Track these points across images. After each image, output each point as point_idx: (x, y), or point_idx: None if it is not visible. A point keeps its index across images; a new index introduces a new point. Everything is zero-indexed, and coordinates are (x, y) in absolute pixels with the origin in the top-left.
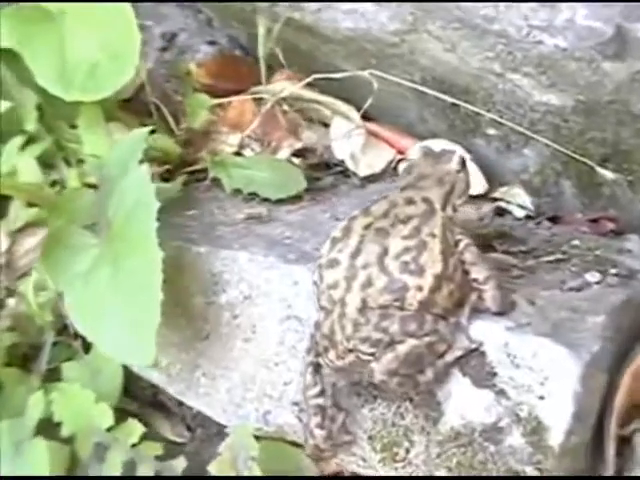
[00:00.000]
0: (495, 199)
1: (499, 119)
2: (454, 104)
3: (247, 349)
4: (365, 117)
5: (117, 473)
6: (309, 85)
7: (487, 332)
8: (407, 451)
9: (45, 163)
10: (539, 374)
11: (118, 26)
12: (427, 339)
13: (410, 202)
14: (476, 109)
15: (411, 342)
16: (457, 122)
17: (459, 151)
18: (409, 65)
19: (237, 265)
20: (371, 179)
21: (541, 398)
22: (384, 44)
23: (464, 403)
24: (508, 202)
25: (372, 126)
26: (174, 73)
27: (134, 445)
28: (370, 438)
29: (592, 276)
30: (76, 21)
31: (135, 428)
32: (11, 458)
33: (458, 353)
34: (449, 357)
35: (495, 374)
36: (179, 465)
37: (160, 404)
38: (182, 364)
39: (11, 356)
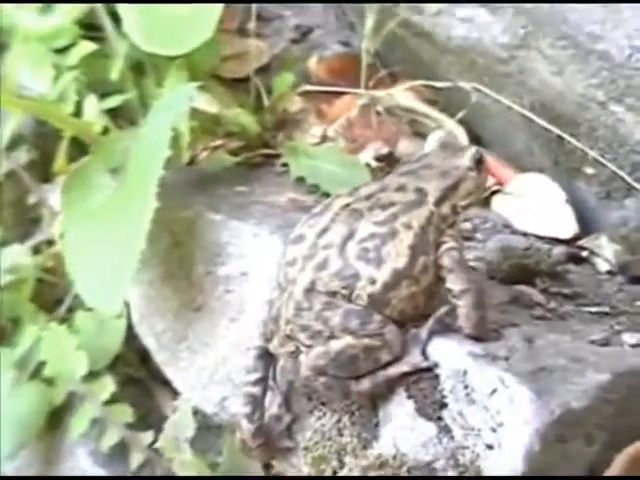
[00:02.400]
0: (581, 247)
1: (601, 159)
2: (560, 137)
3: (230, 329)
4: (475, 142)
5: (83, 430)
6: (424, 99)
7: (446, 353)
8: (334, 471)
9: (129, 118)
10: (494, 417)
11: None
12: (366, 341)
13: (401, 189)
14: (579, 145)
15: (347, 340)
16: (561, 158)
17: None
18: (519, 87)
19: (242, 239)
20: None
21: (489, 447)
22: (494, 59)
23: (401, 431)
24: (593, 253)
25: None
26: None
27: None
28: (305, 448)
29: (631, 337)
30: None
31: (107, 385)
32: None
33: (404, 368)
34: (393, 371)
35: (444, 405)
36: (146, 438)
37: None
38: (173, 332)
39: (42, 296)
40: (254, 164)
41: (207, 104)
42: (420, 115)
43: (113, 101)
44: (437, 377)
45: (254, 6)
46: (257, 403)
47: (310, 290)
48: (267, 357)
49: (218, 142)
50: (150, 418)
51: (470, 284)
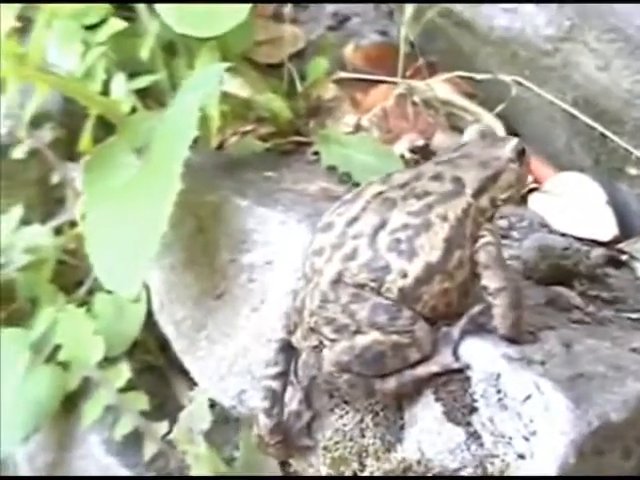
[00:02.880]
0: (621, 251)
1: None
2: (602, 135)
3: (251, 319)
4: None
5: (97, 416)
6: (462, 91)
7: (479, 354)
8: (354, 474)
9: (158, 99)
10: (527, 425)
11: None
12: (395, 338)
13: (437, 178)
14: (623, 143)
15: (374, 335)
16: (603, 157)
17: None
18: (562, 81)
19: (268, 226)
20: None
21: (520, 457)
22: (537, 51)
23: (427, 435)
24: (633, 257)
25: None
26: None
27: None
28: (325, 448)
29: None
30: None
31: (123, 372)
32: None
33: (434, 369)
34: (421, 370)
35: (474, 409)
36: (161, 429)
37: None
38: (192, 320)
39: (62, 278)
40: (285, 151)
41: (239, 88)
42: (458, 108)
43: (142, 81)
44: (468, 379)
45: None
46: (276, 398)
47: (337, 281)
48: (289, 350)
49: (248, 127)
50: (166, 407)
51: (507, 282)
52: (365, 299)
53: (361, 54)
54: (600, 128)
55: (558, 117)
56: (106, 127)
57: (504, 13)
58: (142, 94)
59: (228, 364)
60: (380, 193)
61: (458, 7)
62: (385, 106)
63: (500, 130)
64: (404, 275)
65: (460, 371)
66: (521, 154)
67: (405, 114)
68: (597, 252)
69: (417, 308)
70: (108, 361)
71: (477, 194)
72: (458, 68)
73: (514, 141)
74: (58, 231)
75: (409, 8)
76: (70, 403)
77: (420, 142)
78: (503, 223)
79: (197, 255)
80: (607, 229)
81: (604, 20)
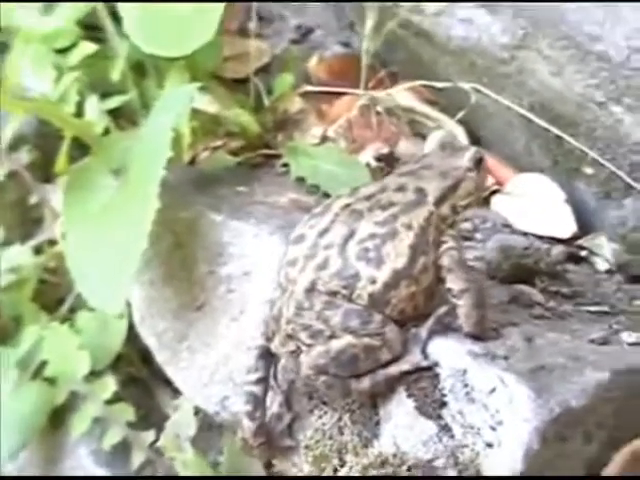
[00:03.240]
0: (580, 247)
1: (600, 159)
2: (559, 137)
3: (231, 328)
4: (474, 142)
5: (84, 429)
6: (424, 99)
7: (446, 352)
8: (335, 470)
9: (130, 119)
10: (493, 416)
11: None
12: (367, 341)
13: (401, 189)
14: (578, 145)
15: (347, 339)
16: (560, 158)
17: (483, 153)
18: (518, 87)
19: (243, 239)
20: None
21: (489, 446)
22: (494, 59)
23: (402, 430)
24: (592, 252)
25: None
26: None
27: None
28: (306, 447)
29: (629, 336)
30: None
31: (109, 384)
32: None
33: (405, 367)
34: (393, 369)
35: (444, 404)
36: (147, 438)
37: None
38: (174, 332)
39: (44, 296)
40: (255, 164)
41: (208, 104)
42: (420, 115)
43: (114, 102)
44: (437, 376)
45: (254, 6)
46: (258, 402)
47: (311, 290)
48: (268, 356)
49: (219, 142)
50: (152, 417)
51: (470, 284)
52: (338, 305)
53: (325, 66)
54: (556, 131)
55: (516, 122)
56: (81, 148)
57: (461, 23)
58: (114, 114)
59: (210, 372)
60: (348, 205)
61: (417, 18)
62: (349, 117)
63: (462, 135)
64: (373, 281)
65: (429, 369)
66: (478, 163)
67: (369, 124)
68: (557, 249)
69: (386, 312)
70: (93, 375)
71: (439, 203)
72: (419, 77)
73: (472, 151)
74: (38, 250)
75: (370, 20)
76: (58, 417)
77: (385, 150)
78: (468, 225)
79: (175, 269)
80: (566, 227)
81: (556, 28)
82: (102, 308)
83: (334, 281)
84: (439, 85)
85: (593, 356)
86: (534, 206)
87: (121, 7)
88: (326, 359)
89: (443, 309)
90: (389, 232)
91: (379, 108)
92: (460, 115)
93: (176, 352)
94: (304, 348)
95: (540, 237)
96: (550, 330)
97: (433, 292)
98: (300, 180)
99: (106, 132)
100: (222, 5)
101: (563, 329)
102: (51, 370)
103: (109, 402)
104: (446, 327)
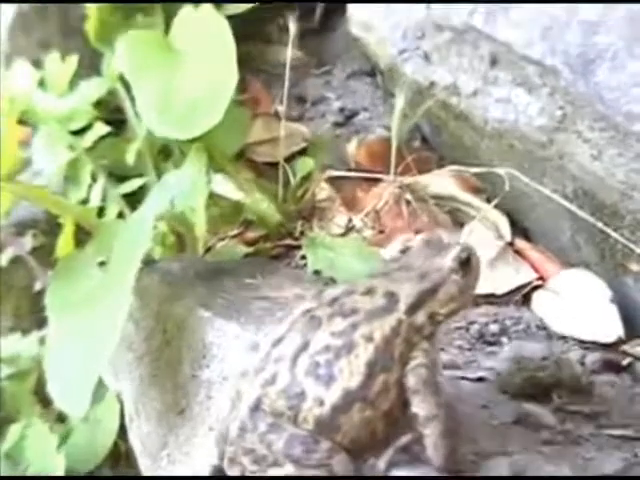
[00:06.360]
0: (625, 353)
1: None
2: (603, 231)
3: (209, 438)
4: (521, 233)
5: None
6: (469, 187)
7: None
8: None
9: None
10: None
11: (221, 67)
12: (311, 472)
13: (369, 292)
14: (621, 239)
15: (288, 469)
16: (607, 253)
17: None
18: (559, 172)
19: (225, 339)
20: (489, 300)
21: None
22: (532, 143)
23: None
24: (637, 359)
25: (522, 244)
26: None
27: None
28: None
29: None
30: (191, 59)
31: None
32: None
33: None
34: None
35: None
36: None
37: None
38: (156, 436)
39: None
40: (275, 256)
41: (231, 191)
42: (462, 204)
43: (128, 186)
44: None
45: (285, 89)
46: None
47: (256, 408)
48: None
49: (236, 231)
50: None
51: (439, 409)
52: (282, 429)
53: (364, 150)
54: (599, 225)
55: (560, 210)
56: (89, 234)
57: (498, 104)
58: (133, 199)
59: None
60: (308, 311)
61: (454, 100)
62: (377, 205)
63: (505, 226)
64: (320, 403)
65: None
66: (465, 263)
67: (400, 213)
68: (593, 357)
69: (337, 439)
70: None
71: (412, 310)
72: (462, 163)
73: (457, 249)
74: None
75: (399, 100)
76: None
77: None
78: (494, 328)
79: (163, 369)
80: (611, 329)
81: (593, 107)
82: (67, 411)
83: (280, 400)
84: (473, 171)
85: None
86: (577, 306)
87: (134, 88)
88: None
89: (405, 438)
90: (345, 345)
91: (408, 196)
92: (496, 202)
93: (156, 460)
94: (248, 473)
95: (581, 342)
96: (551, 461)
97: (396, 417)
98: (317, 273)
99: (120, 216)
100: (233, 86)
101: (572, 458)
102: (32, 471)
103: None
104: (414, 458)
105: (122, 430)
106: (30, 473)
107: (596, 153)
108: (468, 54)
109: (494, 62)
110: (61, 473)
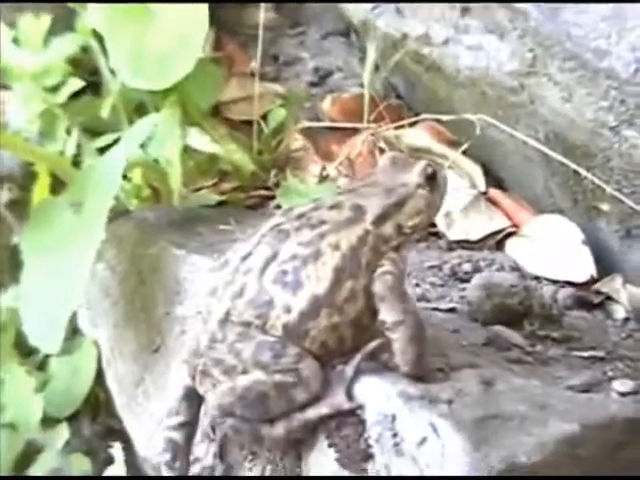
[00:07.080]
0: (597, 292)
1: (616, 193)
2: (576, 172)
3: (181, 371)
4: (496, 183)
5: None
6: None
7: (375, 394)
8: None
9: None
10: (422, 471)
11: (191, 22)
12: (278, 377)
13: (336, 207)
14: (594, 177)
15: (256, 375)
16: (579, 196)
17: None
18: (531, 117)
19: (198, 274)
20: (463, 245)
21: None
22: (504, 89)
23: None
24: (609, 298)
25: (496, 193)
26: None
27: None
28: None
29: (622, 384)
30: (163, 14)
31: (63, 433)
32: None
33: (324, 410)
34: (311, 413)
35: (370, 456)
36: None
37: None
38: (132, 375)
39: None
40: (250, 205)
41: (205, 144)
42: (436, 155)
43: (103, 140)
44: (362, 422)
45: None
46: (178, 449)
47: (225, 320)
48: (195, 398)
49: (211, 182)
50: None
51: (406, 315)
52: (251, 337)
53: (338, 107)
54: (572, 165)
55: (534, 156)
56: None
57: (469, 51)
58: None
59: (157, 421)
60: (277, 225)
61: (426, 50)
62: (350, 154)
63: (479, 175)
64: (288, 310)
65: (353, 413)
66: (431, 177)
67: (375, 162)
68: (565, 293)
69: (305, 345)
70: (59, 421)
71: (378, 221)
72: (438, 114)
73: (422, 165)
74: None
75: (371, 52)
76: (21, 464)
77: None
78: (467, 267)
79: (137, 310)
80: (583, 270)
81: (562, 47)
82: (40, 347)
83: (248, 310)
84: (445, 118)
85: (563, 405)
86: (549, 249)
87: (108, 43)
88: (232, 398)
89: (373, 343)
90: (312, 253)
91: (382, 145)
92: (465, 146)
93: (133, 397)
94: (218, 386)
95: (554, 281)
96: (520, 375)
97: (365, 324)
98: None
99: None
100: (202, 37)
101: (541, 375)
102: (9, 415)
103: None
104: (382, 365)
105: (101, 379)
106: (8, 415)
107: (567, 95)
108: (440, 4)
109: (465, 10)
110: (39, 415)
